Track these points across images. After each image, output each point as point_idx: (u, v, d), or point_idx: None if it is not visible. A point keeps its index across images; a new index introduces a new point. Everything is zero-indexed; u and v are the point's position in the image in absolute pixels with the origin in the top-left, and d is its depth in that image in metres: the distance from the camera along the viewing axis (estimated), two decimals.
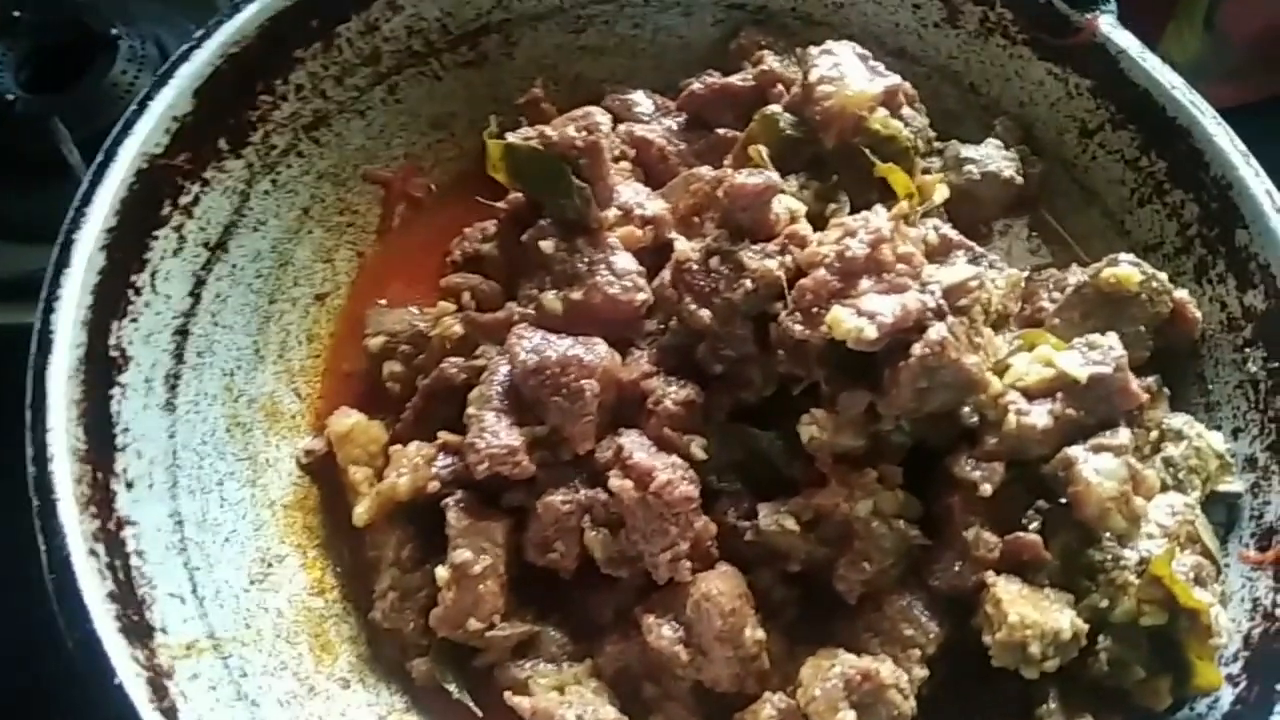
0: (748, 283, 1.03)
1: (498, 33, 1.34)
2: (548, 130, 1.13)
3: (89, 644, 0.85)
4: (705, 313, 1.05)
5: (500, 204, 1.21)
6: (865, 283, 0.99)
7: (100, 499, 0.94)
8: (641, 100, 1.35)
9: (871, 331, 0.95)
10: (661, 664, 1.03)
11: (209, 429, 1.10)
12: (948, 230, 1.16)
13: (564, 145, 1.11)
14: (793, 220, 1.09)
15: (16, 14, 1.50)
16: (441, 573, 1.02)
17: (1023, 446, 1.01)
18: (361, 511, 1.07)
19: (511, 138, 1.13)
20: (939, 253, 1.15)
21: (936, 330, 0.97)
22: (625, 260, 1.12)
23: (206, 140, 1.13)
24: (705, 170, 1.24)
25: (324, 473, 1.16)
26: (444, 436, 1.09)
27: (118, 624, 0.87)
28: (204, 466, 1.08)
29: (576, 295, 1.09)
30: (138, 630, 0.89)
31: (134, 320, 1.04)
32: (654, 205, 1.18)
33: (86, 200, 1.02)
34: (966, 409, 1.03)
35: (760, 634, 1.02)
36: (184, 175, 1.11)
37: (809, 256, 1.02)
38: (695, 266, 1.06)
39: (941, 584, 1.03)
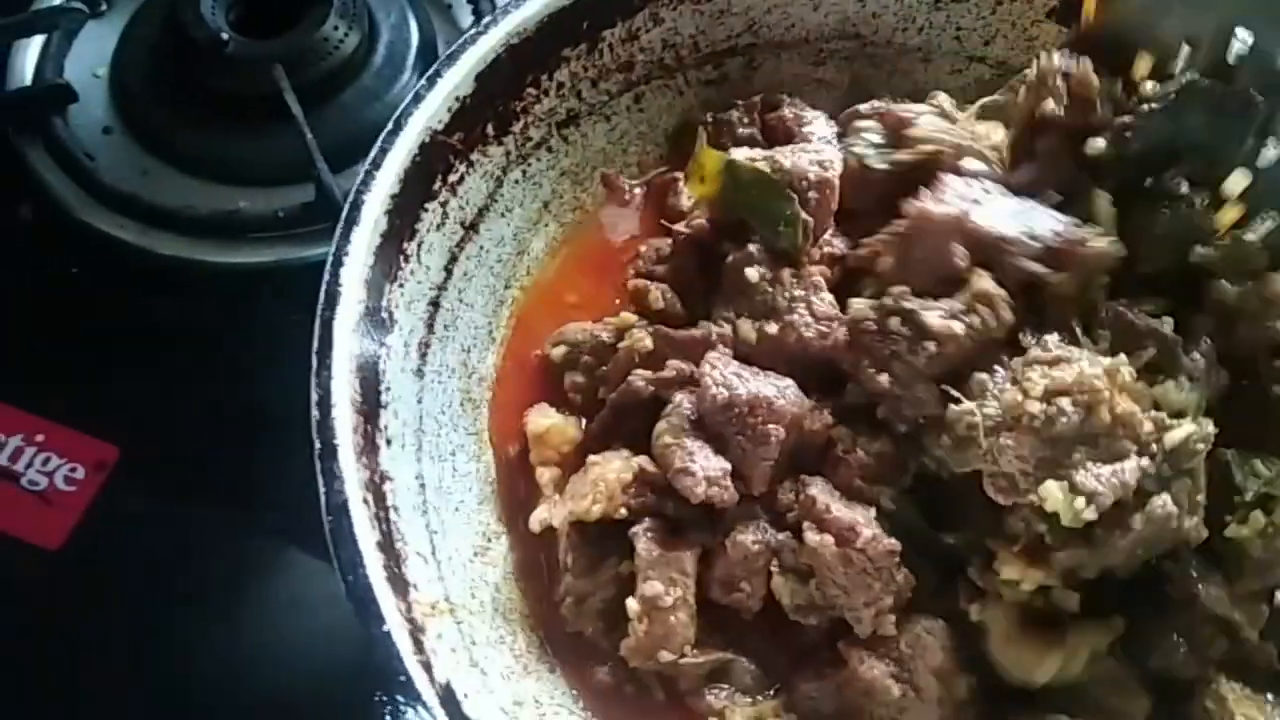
0: (931, 346, 0.97)
1: (742, 56, 1.37)
2: (779, 156, 1.12)
3: (361, 589, 0.88)
4: (884, 378, 1.01)
5: (680, 227, 1.19)
6: (1079, 451, 0.92)
7: (368, 451, 0.97)
8: None
9: (1091, 514, 0.90)
10: (858, 706, 1.02)
11: (447, 400, 1.13)
12: None
13: (796, 175, 1.10)
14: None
15: None
16: (632, 605, 1.01)
17: None
18: (545, 518, 1.06)
19: (736, 154, 1.12)
20: None
21: (1162, 503, 0.92)
22: (826, 304, 1.08)
23: (478, 123, 1.17)
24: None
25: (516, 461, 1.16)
26: (640, 465, 1.06)
27: (385, 573, 0.90)
28: (441, 435, 1.11)
29: (771, 329, 1.07)
30: (397, 583, 0.91)
31: (401, 285, 1.08)
32: (839, 243, 1.15)
33: (376, 164, 1.06)
34: None
35: (972, 680, 1.02)
36: (455, 154, 1.15)
37: (1013, 409, 0.93)
38: (873, 327, 1.01)
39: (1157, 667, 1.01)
